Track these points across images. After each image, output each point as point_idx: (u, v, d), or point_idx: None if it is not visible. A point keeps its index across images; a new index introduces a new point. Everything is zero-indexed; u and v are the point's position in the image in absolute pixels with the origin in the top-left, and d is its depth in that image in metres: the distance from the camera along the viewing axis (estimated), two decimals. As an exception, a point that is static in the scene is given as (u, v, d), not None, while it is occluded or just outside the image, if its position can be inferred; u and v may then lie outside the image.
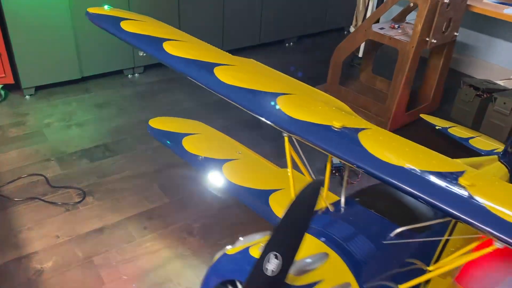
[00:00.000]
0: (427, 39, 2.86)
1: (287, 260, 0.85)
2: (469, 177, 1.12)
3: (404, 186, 1.09)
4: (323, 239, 1.13)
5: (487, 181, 1.17)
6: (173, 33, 1.94)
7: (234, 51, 4.17)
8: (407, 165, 1.16)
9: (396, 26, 3.18)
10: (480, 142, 2.56)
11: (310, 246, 1.10)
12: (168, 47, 1.73)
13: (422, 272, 1.26)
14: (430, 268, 1.25)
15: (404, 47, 2.93)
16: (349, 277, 1.05)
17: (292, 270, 0.99)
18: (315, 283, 0.97)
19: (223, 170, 1.99)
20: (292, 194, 1.44)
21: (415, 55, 2.89)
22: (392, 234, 1.24)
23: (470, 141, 2.54)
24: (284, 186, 1.84)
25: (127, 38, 1.82)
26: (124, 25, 1.88)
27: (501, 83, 3.49)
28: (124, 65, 3.66)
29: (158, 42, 1.76)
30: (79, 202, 2.34)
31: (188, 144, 2.17)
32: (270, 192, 1.84)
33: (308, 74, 3.90)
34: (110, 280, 1.93)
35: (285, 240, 0.86)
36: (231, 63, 1.73)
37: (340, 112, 1.48)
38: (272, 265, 0.87)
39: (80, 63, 3.39)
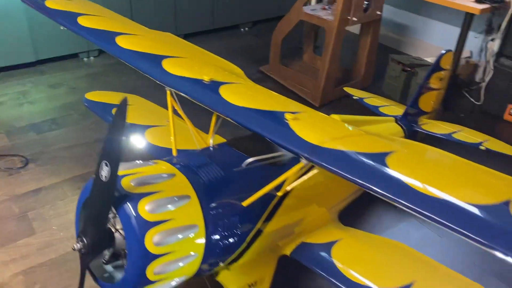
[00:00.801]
0: (348, 17, 3.11)
1: (114, 166, 1.10)
2: (298, 115, 1.38)
3: (242, 122, 1.35)
4: (177, 166, 1.38)
5: (313, 117, 1.43)
6: (92, 9, 2.18)
7: (187, 36, 4.43)
8: (250, 107, 1.42)
9: (327, 7, 3.42)
10: (390, 109, 2.81)
11: (161, 169, 1.35)
12: (82, 20, 1.97)
13: (274, 197, 1.52)
14: (278, 193, 1.51)
15: (329, 26, 3.18)
16: (190, 192, 1.30)
17: (134, 182, 1.24)
18: (152, 192, 1.22)
19: (146, 134, 2.24)
20: (174, 148, 1.68)
21: (338, 32, 3.14)
22: (244, 164, 1.50)
23: (380, 109, 2.79)
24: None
25: (49, 14, 2.06)
26: (48, 3, 2.11)
27: (429, 60, 3.76)
28: (78, 49, 3.88)
29: (73, 16, 2.00)
30: (22, 167, 2.58)
31: None
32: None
33: (258, 57, 4.14)
34: (41, 230, 2.17)
35: (110, 150, 1.11)
36: (136, 33, 1.97)
37: (216, 69, 1.72)
38: (104, 171, 1.12)
39: (35, 46, 3.61)
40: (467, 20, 3.07)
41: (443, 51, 2.64)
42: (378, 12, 3.29)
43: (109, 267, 1.32)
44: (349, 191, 2.01)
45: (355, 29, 3.85)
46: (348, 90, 3.15)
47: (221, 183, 1.41)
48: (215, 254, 1.36)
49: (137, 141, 2.24)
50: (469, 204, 1.02)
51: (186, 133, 1.92)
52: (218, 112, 1.43)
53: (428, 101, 2.73)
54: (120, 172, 1.26)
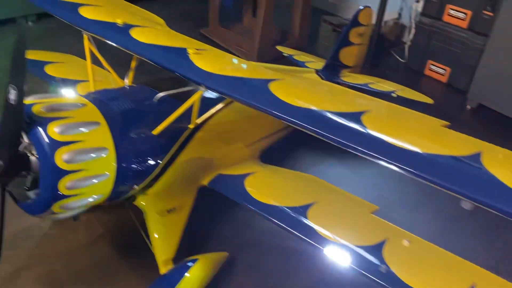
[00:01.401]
0: (278, -22, 3.26)
1: (20, 88, 1.23)
2: (202, 51, 1.54)
3: (146, 56, 1.49)
4: (89, 98, 1.52)
5: (216, 54, 1.60)
6: None
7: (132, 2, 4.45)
8: (157, 44, 1.56)
9: (261, -31, 3.55)
10: (316, 64, 3.00)
11: (73, 99, 1.49)
12: None
13: (185, 129, 1.68)
14: (190, 126, 1.67)
15: (260, -14, 3.32)
16: (100, 119, 1.44)
17: (45, 108, 1.37)
18: (61, 117, 1.35)
19: (77, 87, 2.33)
20: (91, 86, 1.80)
21: (269, -8, 3.29)
22: (155, 99, 1.65)
23: (307, 64, 2.99)
24: None
25: None
26: None
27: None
28: (15, 13, 3.84)
29: None
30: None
31: (50, 70, 2.48)
32: None
33: (201, 21, 4.22)
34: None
35: (15, 74, 1.23)
36: None
37: (132, 15, 1.85)
38: (12, 95, 1.24)
39: (-32, 10, 3.56)
40: (387, -20, 3.29)
41: (361, 7, 2.85)
42: (307, -26, 3.46)
43: (31, 194, 1.45)
44: (268, 130, 2.20)
45: (290, -8, 4.00)
46: (280, 48, 3.32)
47: (131, 114, 1.56)
48: (127, 177, 1.52)
49: (69, 94, 2.34)
50: (328, 111, 1.23)
51: (110, 82, 2.04)
52: (125, 49, 1.57)
53: (349, 55, 2.94)
54: (31, 101, 1.38)
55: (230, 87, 1.36)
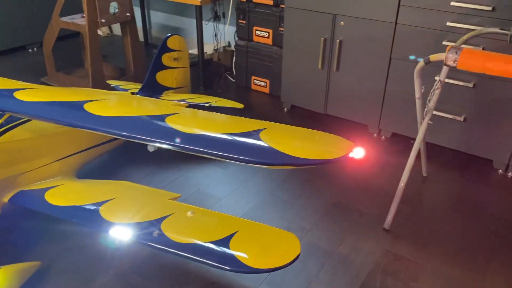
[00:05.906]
0: (97, 20, 3.57)
1: None
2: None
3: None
4: None
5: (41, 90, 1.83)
6: None
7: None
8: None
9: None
10: (136, 90, 3.30)
11: None
12: None
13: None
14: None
15: (83, 29, 3.60)
16: None
17: None
18: None
19: None
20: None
21: (91, 33, 3.58)
22: None
23: (131, 91, 3.28)
24: None
25: None
26: None
27: (191, 51, 4.43)
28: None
29: None
30: None
31: None
32: None
33: (43, 71, 4.36)
34: None
35: None
36: None
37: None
38: None
39: None
40: (197, 11, 3.77)
41: (168, 35, 3.24)
42: (128, 14, 3.82)
43: None
44: (82, 146, 2.41)
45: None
46: (110, 82, 3.59)
47: None
48: None
49: None
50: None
51: None
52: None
53: (169, 78, 3.29)
54: None
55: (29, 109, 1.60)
